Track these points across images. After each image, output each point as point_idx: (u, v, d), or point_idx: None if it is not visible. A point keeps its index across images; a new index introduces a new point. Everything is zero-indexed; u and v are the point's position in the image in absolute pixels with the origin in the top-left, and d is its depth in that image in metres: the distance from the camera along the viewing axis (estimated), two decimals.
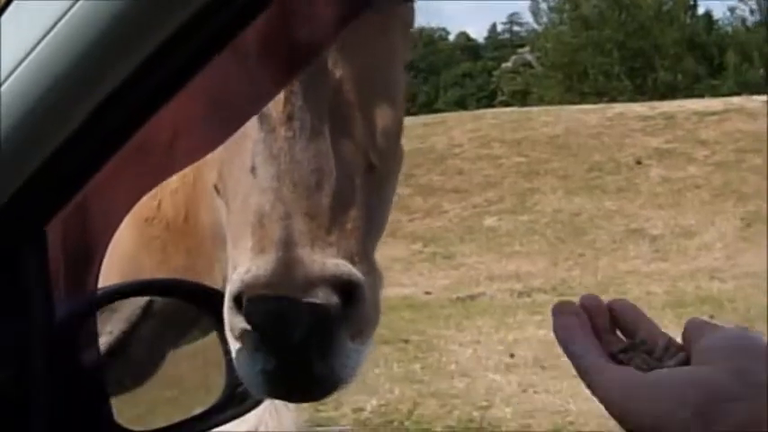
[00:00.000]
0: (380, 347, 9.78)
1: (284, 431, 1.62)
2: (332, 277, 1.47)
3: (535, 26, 62.64)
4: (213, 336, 1.23)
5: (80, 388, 1.03)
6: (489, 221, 18.47)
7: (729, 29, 75.72)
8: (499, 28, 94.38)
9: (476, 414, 7.75)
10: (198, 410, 1.20)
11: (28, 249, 1.00)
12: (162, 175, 1.42)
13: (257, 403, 1.21)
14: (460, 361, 8.93)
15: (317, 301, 1.44)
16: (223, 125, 1.32)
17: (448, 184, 19.92)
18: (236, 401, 1.20)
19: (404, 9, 1.91)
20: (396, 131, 1.87)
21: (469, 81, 75.41)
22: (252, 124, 1.55)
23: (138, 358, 1.43)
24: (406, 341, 9.79)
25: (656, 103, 26.13)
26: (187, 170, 1.77)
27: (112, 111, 0.94)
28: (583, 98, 43.34)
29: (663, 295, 12.72)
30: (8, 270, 1.00)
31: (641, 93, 47.01)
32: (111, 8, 0.88)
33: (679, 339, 1.17)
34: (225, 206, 1.67)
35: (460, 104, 58.12)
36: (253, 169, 1.54)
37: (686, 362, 1.09)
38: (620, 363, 1.12)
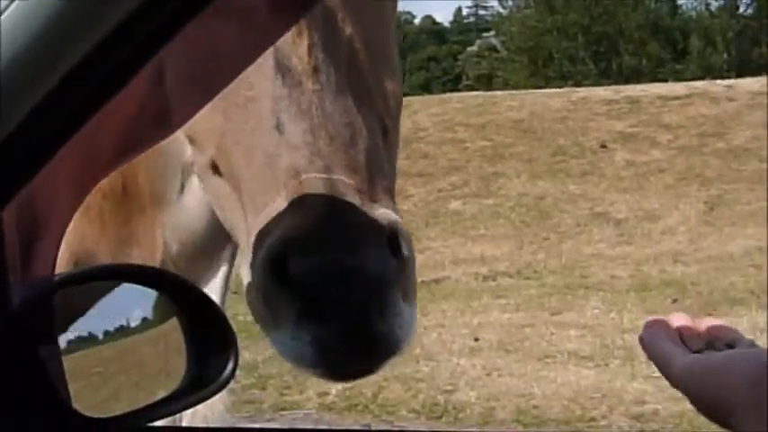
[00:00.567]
0: None
1: (214, 412, 1.56)
2: (385, 227, 1.40)
3: (500, 10, 62.88)
4: (173, 320, 1.21)
5: (37, 375, 1.02)
6: (454, 205, 18.54)
7: (693, 13, 76.25)
8: (464, 12, 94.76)
9: (440, 398, 7.79)
10: (160, 395, 1.19)
11: None
12: (118, 159, 1.38)
13: (220, 387, 1.19)
14: (425, 345, 8.96)
15: (375, 255, 1.35)
16: (182, 108, 1.29)
17: (413, 168, 19.93)
18: (198, 386, 1.19)
19: None
20: (400, 98, 1.79)
21: (434, 65, 75.71)
22: (263, 83, 1.47)
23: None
24: None
25: (621, 87, 26.28)
26: None
27: (65, 96, 0.93)
28: (548, 82, 43.67)
29: (627, 279, 12.83)
30: None
31: (606, 77, 47.27)
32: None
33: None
34: (230, 178, 1.54)
35: (425, 88, 58.30)
36: (278, 126, 1.44)
37: None
38: None
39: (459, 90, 43.97)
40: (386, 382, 8.18)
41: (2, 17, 0.87)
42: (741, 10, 74.96)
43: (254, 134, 1.48)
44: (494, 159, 20.60)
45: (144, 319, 1.25)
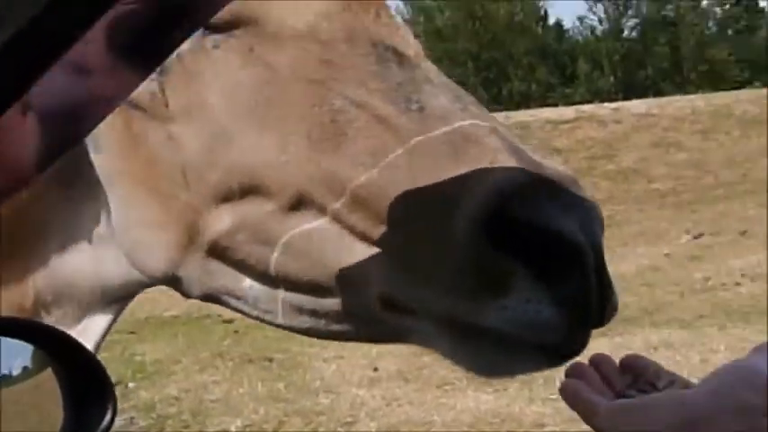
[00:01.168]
0: (244, 366, 9.73)
1: None
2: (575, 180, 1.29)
3: None
4: (48, 373, 1.20)
5: None
6: None
7: (580, 38, 78.25)
8: None
9: (341, 430, 7.77)
10: None
11: None
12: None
13: None
14: (325, 377, 8.95)
15: (594, 203, 1.26)
16: None
17: None
18: None
19: None
20: None
21: None
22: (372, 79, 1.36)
23: None
24: (270, 360, 9.75)
25: (512, 113, 26.77)
26: None
27: None
28: None
29: None
30: None
31: (497, 102, 48.19)
32: None
33: None
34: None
35: None
36: (420, 108, 1.33)
37: None
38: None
39: None
40: (286, 416, 8.14)
41: None
42: (625, 34, 77.24)
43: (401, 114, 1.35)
44: None
45: (24, 368, 1.24)
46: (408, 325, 1.36)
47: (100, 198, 1.55)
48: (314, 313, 1.45)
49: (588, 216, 1.24)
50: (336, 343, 11.06)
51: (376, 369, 9.40)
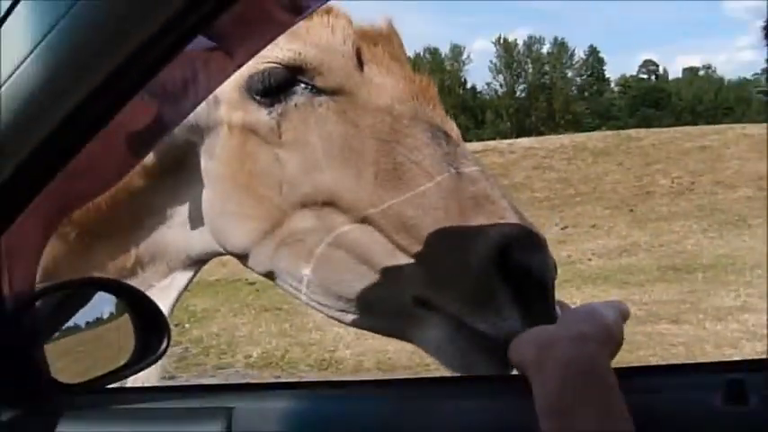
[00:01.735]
0: (262, 313, 9.66)
1: (150, 378, 1.45)
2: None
3: None
4: (125, 316, 1.18)
5: (24, 359, 0.98)
6: None
7: (487, 96, 78.70)
8: None
9: (326, 356, 7.75)
10: (119, 364, 1.15)
11: None
12: (82, 201, 1.30)
13: (157, 359, 1.15)
14: (316, 320, 8.87)
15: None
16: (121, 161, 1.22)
17: None
18: (142, 358, 1.16)
19: None
20: None
21: None
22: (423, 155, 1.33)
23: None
24: (280, 309, 9.67)
25: None
26: None
27: (49, 148, 0.85)
28: None
29: None
30: None
31: None
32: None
33: None
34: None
35: None
36: (458, 173, 1.32)
37: None
38: None
39: None
40: (290, 347, 8.11)
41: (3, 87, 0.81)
42: (517, 94, 77.85)
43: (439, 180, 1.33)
44: None
45: (110, 313, 1.22)
46: (427, 319, 1.33)
47: (196, 190, 1.49)
48: (348, 300, 1.40)
49: (549, 258, 1.25)
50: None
51: None
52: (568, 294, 9.07)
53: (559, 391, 0.87)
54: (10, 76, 0.79)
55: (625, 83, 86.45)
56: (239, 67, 1.25)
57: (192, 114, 1.38)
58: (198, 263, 1.61)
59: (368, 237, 1.34)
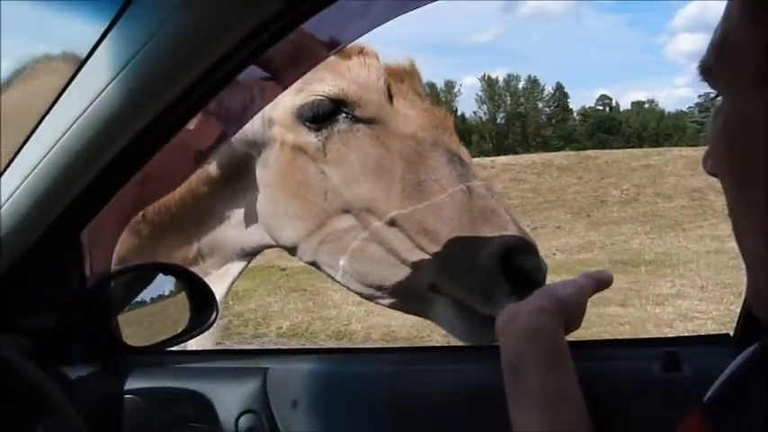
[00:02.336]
0: (291, 293, 9.65)
1: (204, 343, 1.44)
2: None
3: None
4: (182, 294, 1.18)
5: (101, 327, 0.99)
6: None
7: (474, 122, 78.52)
8: None
9: (342, 328, 7.74)
10: (175, 332, 1.16)
11: (69, 247, 0.94)
12: (153, 196, 1.30)
13: (208, 327, 1.16)
14: (333, 299, 8.86)
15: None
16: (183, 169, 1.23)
17: None
18: (196, 326, 1.16)
19: None
20: None
21: None
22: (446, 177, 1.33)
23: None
24: (305, 290, 9.64)
25: None
26: None
27: (127, 156, 0.86)
28: None
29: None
30: (58, 260, 0.95)
31: None
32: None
33: None
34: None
35: None
36: (469, 189, 1.32)
37: None
38: None
39: None
40: (312, 320, 8.11)
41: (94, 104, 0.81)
42: (498, 121, 77.66)
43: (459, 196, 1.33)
44: None
45: (171, 291, 1.22)
46: (438, 301, 1.33)
47: (251, 194, 1.49)
48: (375, 285, 1.40)
49: (541, 262, 1.27)
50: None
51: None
52: None
53: (516, 351, 0.88)
54: (97, 97, 0.81)
55: (585, 113, 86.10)
56: (285, 89, 1.27)
57: (250, 132, 1.39)
58: (250, 255, 1.60)
59: (393, 236, 1.34)
